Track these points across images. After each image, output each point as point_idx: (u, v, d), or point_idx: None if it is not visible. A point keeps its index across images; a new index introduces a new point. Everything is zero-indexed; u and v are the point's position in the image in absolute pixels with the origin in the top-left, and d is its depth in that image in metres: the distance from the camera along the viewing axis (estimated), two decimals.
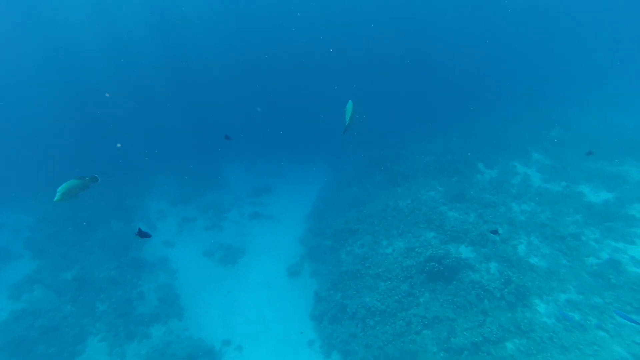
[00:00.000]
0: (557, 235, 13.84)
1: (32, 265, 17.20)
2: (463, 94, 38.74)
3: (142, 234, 6.79)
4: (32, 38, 41.34)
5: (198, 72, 49.13)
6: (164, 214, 22.32)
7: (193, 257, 18.68)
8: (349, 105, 8.70)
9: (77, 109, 39.79)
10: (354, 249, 16.47)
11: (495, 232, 11.64)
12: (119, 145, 26.62)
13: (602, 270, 11.91)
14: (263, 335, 14.61)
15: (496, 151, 21.16)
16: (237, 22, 50.13)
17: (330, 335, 13.63)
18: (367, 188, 21.18)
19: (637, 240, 13.09)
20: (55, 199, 6.12)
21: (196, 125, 39.38)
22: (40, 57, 42.46)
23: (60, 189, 6.15)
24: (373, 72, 48.57)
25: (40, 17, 39.43)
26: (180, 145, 33.42)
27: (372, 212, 18.01)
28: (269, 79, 48.74)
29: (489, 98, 37.26)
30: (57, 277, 16.50)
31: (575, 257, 12.83)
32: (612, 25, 52.55)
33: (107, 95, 39.11)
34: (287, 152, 31.91)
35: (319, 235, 18.68)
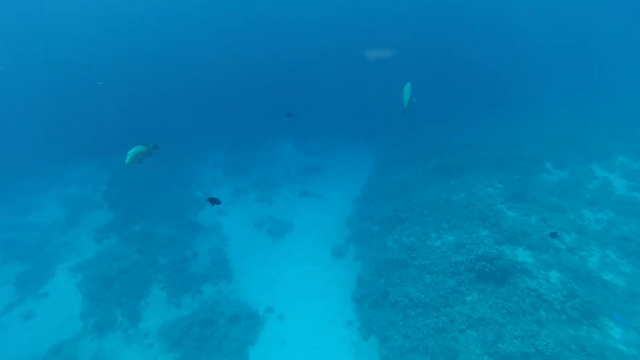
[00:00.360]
0: None
1: (109, 216, 19.47)
2: (532, 82, 35.17)
3: (214, 201, 7.29)
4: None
5: (259, 51, 50.06)
6: (219, 182, 23.69)
7: (243, 226, 19.73)
8: (407, 87, 8.38)
9: (146, 84, 43.19)
10: (401, 237, 16.23)
11: (554, 235, 10.71)
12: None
13: None
14: (304, 309, 15.18)
15: (569, 149, 19.14)
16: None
17: (370, 320, 13.77)
18: (418, 177, 20.53)
19: None
20: (126, 162, 6.84)
21: (251, 101, 40.59)
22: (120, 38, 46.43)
23: (130, 153, 6.86)
24: (429, 56, 46.15)
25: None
26: (236, 119, 34.76)
27: (423, 202, 17.50)
28: (326, 61, 48.37)
29: (563, 87, 33.35)
30: (128, 228, 18.47)
31: None
32: None
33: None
34: (337, 133, 31.77)
35: (367, 219, 18.64)
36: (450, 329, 11.59)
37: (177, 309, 14.81)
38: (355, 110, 35.67)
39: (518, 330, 10.56)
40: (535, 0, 46.03)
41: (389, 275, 14.78)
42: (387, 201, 18.95)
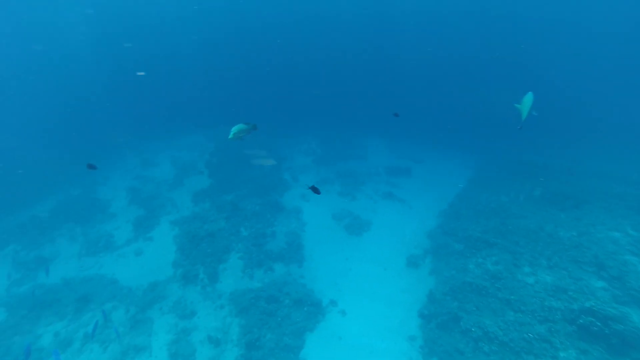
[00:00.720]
0: None
1: (207, 182, 21.81)
2: None
3: (315, 190, 7.52)
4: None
5: (370, 46, 49.75)
6: (307, 169, 24.50)
7: (323, 216, 20.13)
8: (528, 98, 7.26)
9: (257, 68, 46.81)
10: (486, 262, 14.68)
11: None
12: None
13: None
14: (367, 310, 14.91)
15: None
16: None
17: (435, 341, 12.86)
18: (518, 201, 18.21)
19: None
20: (229, 137, 7.46)
21: (352, 95, 40.79)
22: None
23: (233, 130, 7.43)
24: (553, 59, 40.01)
25: None
26: (334, 110, 35.36)
27: (520, 230, 15.47)
28: (435, 63, 45.89)
29: None
30: (220, 197, 20.41)
31: None
32: None
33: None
34: (434, 138, 30.01)
35: (450, 235, 17.32)
36: None
37: (250, 280, 15.90)
38: (457, 116, 33.22)
39: None
40: None
41: (465, 300, 13.56)
42: (476, 220, 17.29)
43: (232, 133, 7.51)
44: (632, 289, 11.35)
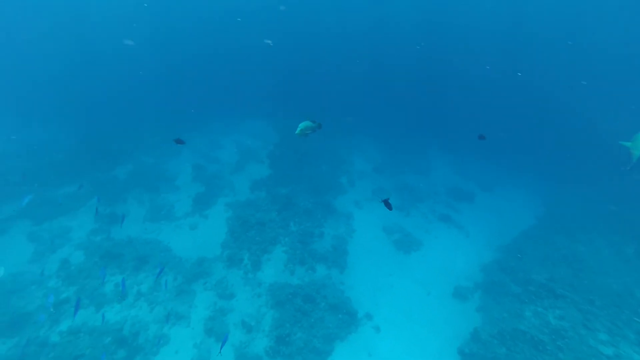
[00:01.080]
0: None
1: (266, 172, 22.49)
2: None
3: (388, 205, 7.30)
4: None
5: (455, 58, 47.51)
6: (364, 176, 24.09)
7: (373, 226, 19.63)
8: None
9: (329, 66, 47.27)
10: (547, 314, 13.13)
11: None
12: None
13: None
14: (403, 333, 14.23)
15: None
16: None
17: None
18: (600, 253, 16.03)
19: None
20: (296, 132, 7.64)
21: (423, 106, 39.31)
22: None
23: (300, 126, 7.59)
24: None
25: None
26: (400, 119, 34.31)
27: (598, 288, 13.58)
28: (524, 83, 42.42)
29: None
30: (276, 189, 20.88)
31: None
32: None
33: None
34: (507, 164, 27.64)
35: (508, 274, 15.81)
36: None
37: (290, 275, 16.03)
38: (540, 142, 30.28)
39: None
40: None
41: (515, 349, 12.28)
42: (542, 264, 15.56)
43: (299, 129, 7.64)
44: None
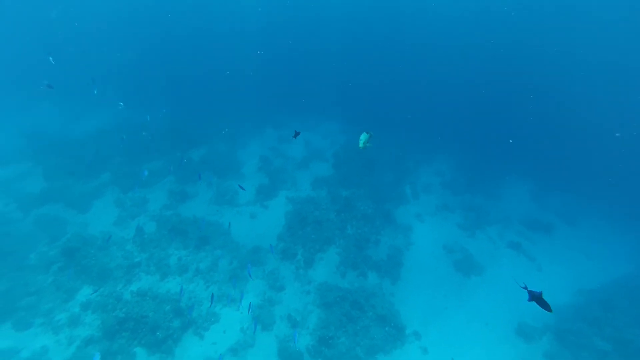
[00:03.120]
0: None
1: (329, 172, 22.55)
2: None
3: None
4: None
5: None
6: (430, 190, 22.89)
7: (433, 243, 18.53)
8: None
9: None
10: None
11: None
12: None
13: None
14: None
15: None
16: None
17: None
18: None
19: None
20: (360, 146, 8.22)
21: (505, 126, 36.27)
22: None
23: (362, 139, 8.11)
24: None
25: None
26: (479, 136, 32.02)
27: None
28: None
29: None
30: (337, 190, 20.77)
31: None
32: None
33: None
34: (599, 196, 24.17)
35: (592, 325, 13.76)
36: None
37: (341, 278, 15.78)
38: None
39: None
40: None
41: None
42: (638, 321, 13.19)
43: (362, 142, 8.17)
44: None
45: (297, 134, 10.21)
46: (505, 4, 43.54)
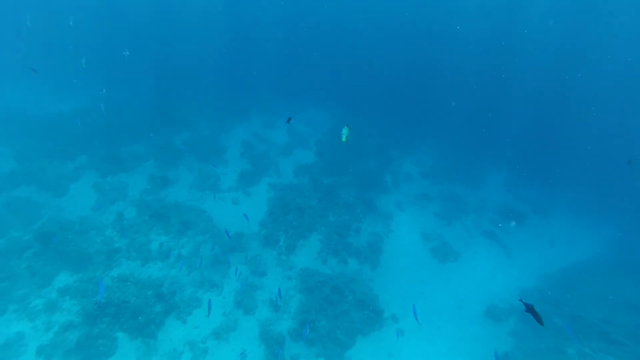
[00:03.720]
0: None
1: (312, 159, 22.68)
2: None
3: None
4: None
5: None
6: (410, 179, 23.47)
7: (412, 230, 19.16)
8: None
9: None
10: (595, 358, 12.10)
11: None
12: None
13: None
14: (427, 342, 13.93)
15: None
16: None
17: None
18: None
19: None
20: (343, 140, 8.44)
21: (484, 115, 37.20)
22: None
23: (345, 133, 8.39)
24: None
25: None
26: (460, 128, 32.74)
27: None
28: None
29: None
30: (320, 177, 20.99)
31: None
32: None
33: None
34: (565, 189, 25.50)
35: (552, 305, 14.80)
36: None
37: (322, 264, 16.17)
38: (611, 171, 27.55)
39: None
40: None
41: None
42: (596, 305, 14.30)
43: (344, 136, 8.37)
44: None
45: (289, 119, 10.34)
46: None
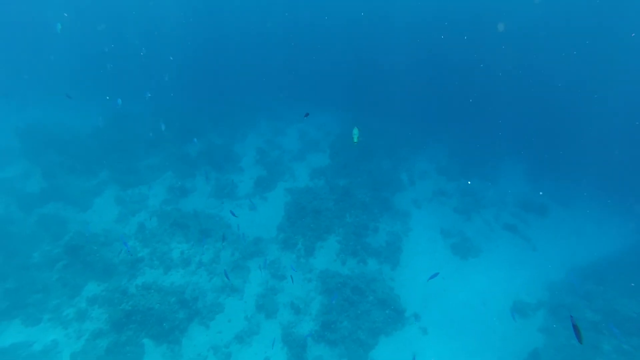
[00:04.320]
0: None
1: (326, 161, 22.76)
2: None
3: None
4: None
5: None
6: (426, 176, 23.14)
7: (431, 227, 18.85)
8: None
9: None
10: (636, 356, 11.53)
11: None
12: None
13: None
14: (452, 340, 13.62)
15: None
16: None
17: None
18: None
19: None
20: (355, 141, 8.86)
21: (495, 105, 36.41)
22: None
23: (356, 133, 8.79)
24: None
25: None
26: (472, 122, 32.17)
27: None
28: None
29: None
30: (335, 179, 21.02)
31: None
32: None
33: None
34: (595, 179, 24.49)
35: (584, 298, 14.18)
36: None
37: (341, 265, 16.12)
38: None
39: None
40: None
41: None
42: (632, 296, 13.61)
43: (356, 137, 8.77)
44: None
45: (307, 114, 10.60)
46: None
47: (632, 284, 14.30)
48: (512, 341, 13.71)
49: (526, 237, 19.01)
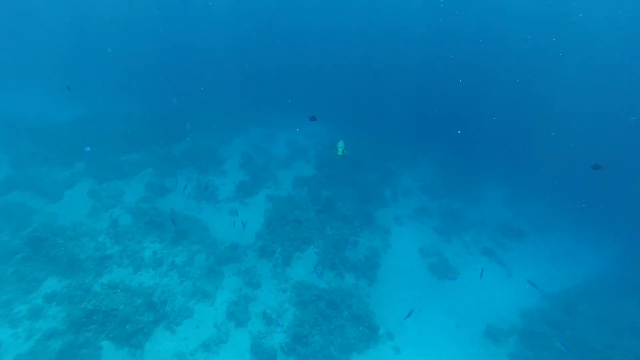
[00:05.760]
0: None
1: (311, 172, 22.60)
2: None
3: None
4: None
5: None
6: (410, 193, 23.33)
7: (410, 246, 18.87)
8: None
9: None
10: None
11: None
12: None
13: None
14: None
15: None
16: None
17: None
18: None
19: None
20: (339, 154, 8.65)
21: (485, 130, 37.45)
22: None
23: (341, 146, 8.62)
24: None
25: None
26: (458, 145, 32.89)
27: None
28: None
29: None
30: (318, 190, 20.85)
31: None
32: None
33: None
34: (566, 206, 25.30)
35: (554, 327, 14.35)
36: None
37: (318, 278, 15.80)
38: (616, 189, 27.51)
39: None
40: None
41: None
42: (599, 328, 13.96)
43: (340, 150, 8.59)
44: None
45: (313, 117, 10.42)
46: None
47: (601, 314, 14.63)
48: None
49: (502, 263, 19.28)
